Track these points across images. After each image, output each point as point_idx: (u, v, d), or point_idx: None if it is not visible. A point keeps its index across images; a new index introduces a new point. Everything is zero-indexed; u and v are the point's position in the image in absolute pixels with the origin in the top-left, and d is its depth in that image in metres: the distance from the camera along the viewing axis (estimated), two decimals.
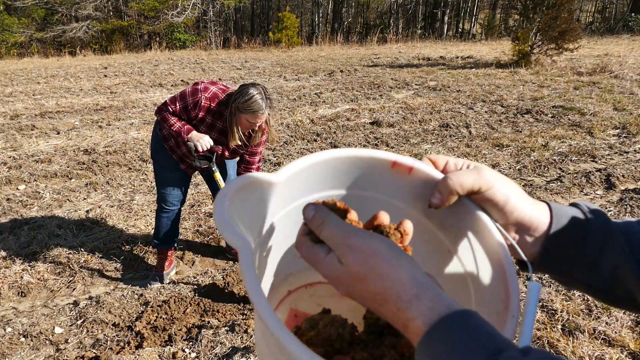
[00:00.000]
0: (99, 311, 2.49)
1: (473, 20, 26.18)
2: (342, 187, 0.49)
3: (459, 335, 0.32)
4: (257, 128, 2.44)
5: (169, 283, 2.78)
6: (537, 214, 0.46)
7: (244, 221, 0.40)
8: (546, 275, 0.50)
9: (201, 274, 2.88)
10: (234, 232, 0.36)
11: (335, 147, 5.22)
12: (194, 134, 2.39)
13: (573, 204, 0.49)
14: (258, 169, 2.71)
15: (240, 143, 2.46)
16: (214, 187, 2.87)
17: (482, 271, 0.47)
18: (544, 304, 2.42)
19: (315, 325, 0.46)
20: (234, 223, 0.37)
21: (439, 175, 0.48)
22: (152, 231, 3.38)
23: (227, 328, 2.31)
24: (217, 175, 2.55)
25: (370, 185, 0.44)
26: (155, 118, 2.66)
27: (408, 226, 0.46)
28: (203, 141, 2.39)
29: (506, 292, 0.43)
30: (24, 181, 4.37)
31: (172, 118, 2.39)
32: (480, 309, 0.47)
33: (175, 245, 2.91)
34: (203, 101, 2.35)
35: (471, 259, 0.49)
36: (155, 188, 2.77)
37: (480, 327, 0.33)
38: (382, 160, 0.48)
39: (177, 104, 2.38)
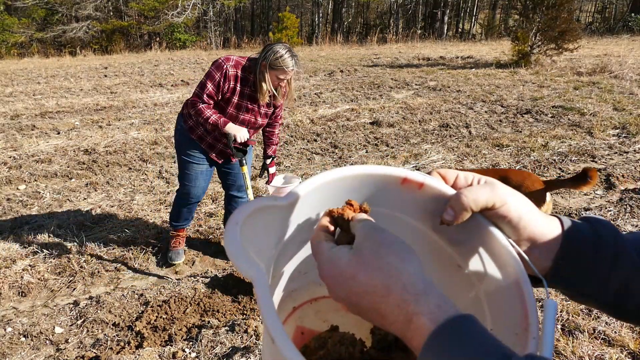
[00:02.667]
0: (99, 311, 2.49)
1: (473, 20, 26.19)
2: None
3: (469, 338, 0.32)
4: (284, 84, 2.55)
5: (169, 283, 2.78)
6: (549, 230, 0.46)
7: (255, 246, 0.39)
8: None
9: (201, 274, 2.88)
10: (248, 261, 0.35)
11: (336, 147, 5.22)
12: (231, 125, 2.49)
13: (583, 218, 0.49)
14: (281, 124, 2.79)
15: (268, 101, 2.57)
16: (227, 183, 2.92)
17: (496, 288, 0.47)
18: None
19: (324, 344, 0.45)
20: (247, 251, 0.36)
21: (450, 191, 0.47)
22: (153, 230, 3.39)
23: (227, 328, 2.32)
24: (245, 169, 2.63)
25: (381, 201, 0.44)
26: (180, 112, 2.72)
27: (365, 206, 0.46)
28: (241, 133, 2.50)
29: (524, 312, 0.42)
30: (24, 181, 4.37)
31: (208, 111, 2.45)
32: (497, 327, 0.46)
33: (188, 225, 3.12)
34: (230, 70, 2.42)
35: (483, 275, 0.48)
36: (179, 180, 2.83)
37: (486, 333, 0.33)
38: (392, 176, 0.48)
39: (209, 86, 2.43)
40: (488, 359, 0.31)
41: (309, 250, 0.52)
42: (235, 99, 2.49)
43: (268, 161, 2.90)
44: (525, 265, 0.45)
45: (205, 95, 2.43)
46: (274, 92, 2.56)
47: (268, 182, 2.92)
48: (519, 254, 0.45)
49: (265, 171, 2.93)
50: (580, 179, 2.22)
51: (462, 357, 0.31)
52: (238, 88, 2.48)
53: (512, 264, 0.44)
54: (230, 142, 2.48)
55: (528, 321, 0.41)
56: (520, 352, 0.40)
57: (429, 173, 0.49)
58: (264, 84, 2.45)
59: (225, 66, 2.41)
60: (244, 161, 2.60)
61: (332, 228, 0.44)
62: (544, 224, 0.46)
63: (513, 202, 0.45)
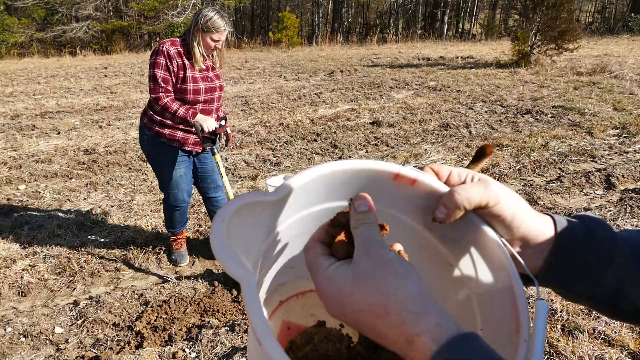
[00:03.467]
0: (99, 311, 2.49)
1: (473, 20, 26.20)
2: (343, 199, 0.48)
3: (472, 356, 0.31)
4: (220, 47, 2.59)
5: (169, 283, 2.78)
6: (542, 229, 0.45)
7: (242, 242, 0.38)
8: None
9: (201, 274, 2.88)
10: (234, 261, 0.34)
11: (336, 147, 5.22)
12: (200, 116, 2.51)
13: (577, 217, 0.48)
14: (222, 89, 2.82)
15: (203, 67, 2.58)
16: (204, 187, 2.93)
17: (487, 288, 0.46)
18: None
19: (310, 340, 0.45)
20: (234, 250, 0.35)
21: (443, 188, 0.46)
22: (153, 230, 3.39)
23: (227, 328, 2.32)
24: (218, 157, 2.64)
25: (372, 196, 0.44)
26: (140, 123, 2.72)
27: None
28: (208, 123, 2.50)
29: (515, 313, 0.41)
30: (24, 181, 4.37)
31: (174, 104, 2.46)
32: (487, 328, 0.45)
33: (186, 227, 3.16)
34: (171, 49, 2.46)
35: (474, 274, 0.47)
36: (162, 190, 2.83)
37: (490, 351, 0.32)
38: (384, 172, 0.47)
39: (159, 73, 2.44)
40: None
41: (298, 246, 0.51)
42: (189, 74, 2.52)
43: (223, 122, 2.91)
44: (517, 264, 0.45)
45: (161, 82, 2.44)
46: (211, 55, 2.58)
47: (227, 145, 2.93)
48: (511, 253, 0.45)
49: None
50: (479, 155, 2.17)
51: None
52: (186, 62, 2.52)
53: (504, 263, 0.44)
54: (199, 133, 2.51)
55: (519, 323, 0.41)
56: (512, 354, 0.39)
57: (422, 168, 0.48)
58: (196, 48, 2.49)
59: (163, 48, 2.45)
60: (215, 150, 2.63)
61: (327, 237, 0.42)
62: (537, 224, 0.45)
63: (507, 201, 0.44)
